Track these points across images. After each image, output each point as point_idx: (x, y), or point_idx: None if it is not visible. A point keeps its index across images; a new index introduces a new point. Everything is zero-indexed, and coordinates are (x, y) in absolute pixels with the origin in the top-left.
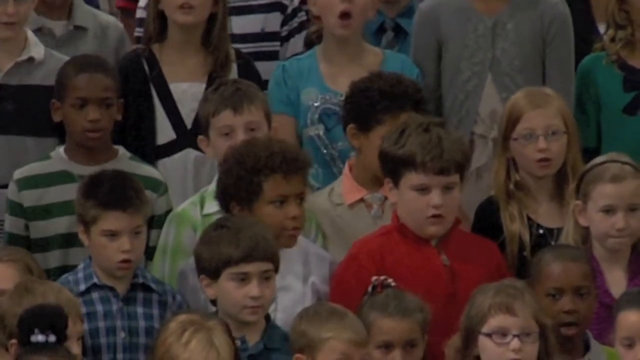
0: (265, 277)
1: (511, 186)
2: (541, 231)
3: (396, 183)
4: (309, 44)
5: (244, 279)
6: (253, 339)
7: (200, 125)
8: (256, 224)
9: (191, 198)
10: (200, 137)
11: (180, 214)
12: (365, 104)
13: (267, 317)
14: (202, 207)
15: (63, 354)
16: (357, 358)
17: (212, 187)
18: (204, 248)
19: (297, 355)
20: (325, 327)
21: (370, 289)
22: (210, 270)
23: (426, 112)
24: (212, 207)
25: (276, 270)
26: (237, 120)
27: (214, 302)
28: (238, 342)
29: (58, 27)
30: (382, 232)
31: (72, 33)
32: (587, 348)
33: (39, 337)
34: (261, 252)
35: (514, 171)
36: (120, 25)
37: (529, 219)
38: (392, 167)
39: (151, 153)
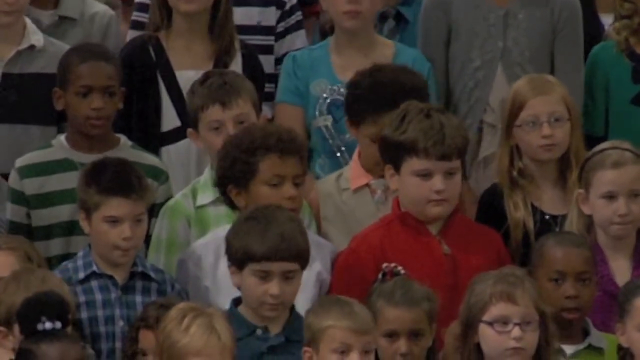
0: (287, 277)
1: (515, 173)
2: (547, 217)
3: (397, 169)
4: (323, 35)
5: (265, 276)
6: (275, 329)
7: (190, 119)
8: (287, 221)
9: (183, 190)
10: (189, 130)
11: (173, 207)
12: (353, 100)
13: (292, 307)
14: (194, 198)
15: (72, 339)
16: (359, 347)
17: (204, 178)
18: (233, 237)
19: (305, 348)
20: (325, 316)
21: (380, 276)
22: (236, 260)
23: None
24: (205, 198)
25: (304, 267)
26: (226, 114)
27: (239, 288)
28: (260, 332)
29: (44, 16)
30: (382, 223)
31: (58, 23)
32: (585, 334)
33: (46, 325)
34: (286, 252)
35: (518, 158)
36: (110, 12)
37: (532, 206)
38: (394, 153)
39: (156, 140)
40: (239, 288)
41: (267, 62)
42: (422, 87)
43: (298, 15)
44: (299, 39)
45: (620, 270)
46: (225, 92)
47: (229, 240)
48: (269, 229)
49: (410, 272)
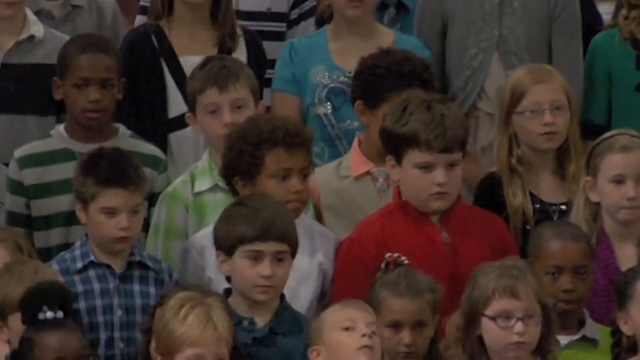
0: (279, 258)
1: (514, 162)
2: (546, 205)
3: (399, 161)
4: (320, 23)
5: (257, 257)
6: (264, 320)
7: (189, 103)
8: (276, 205)
9: (181, 177)
10: (188, 114)
11: (171, 194)
12: (373, 82)
13: (282, 298)
14: (193, 185)
15: (74, 328)
16: (364, 321)
17: (202, 165)
18: (222, 225)
19: (312, 348)
20: (326, 311)
21: (383, 266)
22: (225, 247)
23: (435, 90)
24: (204, 185)
25: (293, 253)
26: (223, 98)
27: (228, 279)
28: (246, 323)
29: (56, 8)
30: (383, 213)
31: (70, 13)
32: (582, 325)
33: (47, 314)
34: (277, 233)
35: (516, 147)
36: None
37: (531, 194)
38: (395, 145)
39: (164, 126)
40: (228, 279)
41: (277, 49)
42: (430, 63)
43: (312, 2)
44: (313, 25)
45: (627, 258)
46: (223, 76)
47: (218, 228)
48: (258, 213)
49: (411, 262)
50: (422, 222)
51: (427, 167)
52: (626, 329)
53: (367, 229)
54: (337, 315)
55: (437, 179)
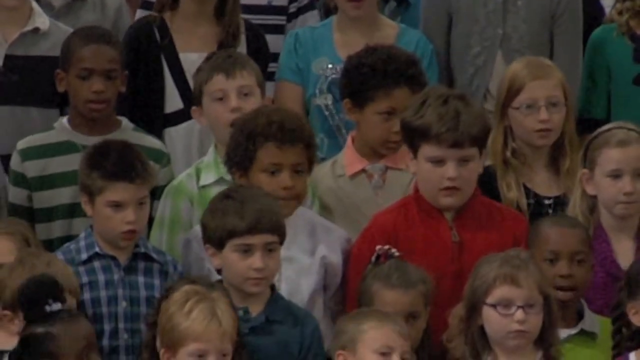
0: (269, 249)
1: (508, 154)
2: (540, 198)
3: (415, 153)
4: (327, 12)
5: (247, 250)
6: (256, 309)
7: (194, 96)
8: (263, 196)
9: (187, 170)
10: (193, 107)
11: (176, 187)
12: (358, 81)
13: (273, 288)
14: (198, 179)
15: (82, 315)
16: (398, 352)
17: (207, 158)
18: (210, 218)
19: (338, 352)
20: (365, 320)
21: (373, 258)
22: (215, 240)
23: (423, 86)
24: (209, 178)
25: (281, 242)
26: (230, 84)
27: (219, 271)
28: (241, 312)
29: None
30: (400, 204)
31: (71, 4)
32: (580, 317)
33: (53, 306)
34: (266, 224)
35: (511, 139)
36: None
37: (525, 187)
38: (411, 137)
39: (159, 121)
40: (218, 272)
41: (277, 42)
42: (417, 59)
43: None
44: (311, 18)
45: (623, 252)
46: (230, 63)
47: (206, 222)
48: (246, 205)
49: (419, 257)
50: (434, 217)
51: (438, 161)
52: (636, 320)
53: (379, 221)
54: (376, 334)
55: (447, 173)
